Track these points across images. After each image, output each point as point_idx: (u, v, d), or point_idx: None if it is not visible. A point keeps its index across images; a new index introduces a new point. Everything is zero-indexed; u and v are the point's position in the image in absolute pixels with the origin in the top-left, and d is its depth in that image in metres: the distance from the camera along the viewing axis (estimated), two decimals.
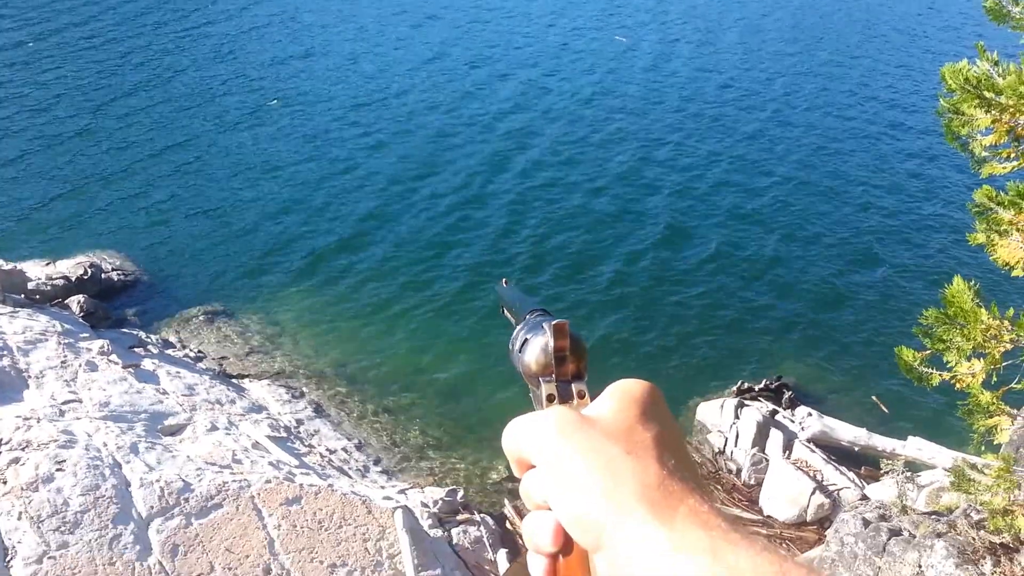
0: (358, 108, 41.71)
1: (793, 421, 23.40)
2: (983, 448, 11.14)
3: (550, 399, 1.59)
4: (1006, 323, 9.84)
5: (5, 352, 19.46)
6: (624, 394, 1.45)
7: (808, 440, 22.46)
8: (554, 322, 1.62)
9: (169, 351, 23.98)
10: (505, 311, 2.06)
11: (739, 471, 22.24)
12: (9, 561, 13.02)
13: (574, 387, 1.61)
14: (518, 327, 1.80)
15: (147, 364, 21.83)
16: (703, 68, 50.22)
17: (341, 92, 43.61)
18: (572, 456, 1.34)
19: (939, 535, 11.71)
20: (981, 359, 10.15)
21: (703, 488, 1.33)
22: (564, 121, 41.67)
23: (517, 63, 49.46)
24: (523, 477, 1.46)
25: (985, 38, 11.20)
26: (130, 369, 20.90)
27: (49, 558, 13.25)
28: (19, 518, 13.75)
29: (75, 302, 24.54)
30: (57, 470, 14.91)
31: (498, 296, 2.15)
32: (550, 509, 1.37)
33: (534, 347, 1.65)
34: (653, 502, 1.25)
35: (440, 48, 51.11)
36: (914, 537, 12.36)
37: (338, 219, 32.18)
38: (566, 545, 1.36)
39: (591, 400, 1.54)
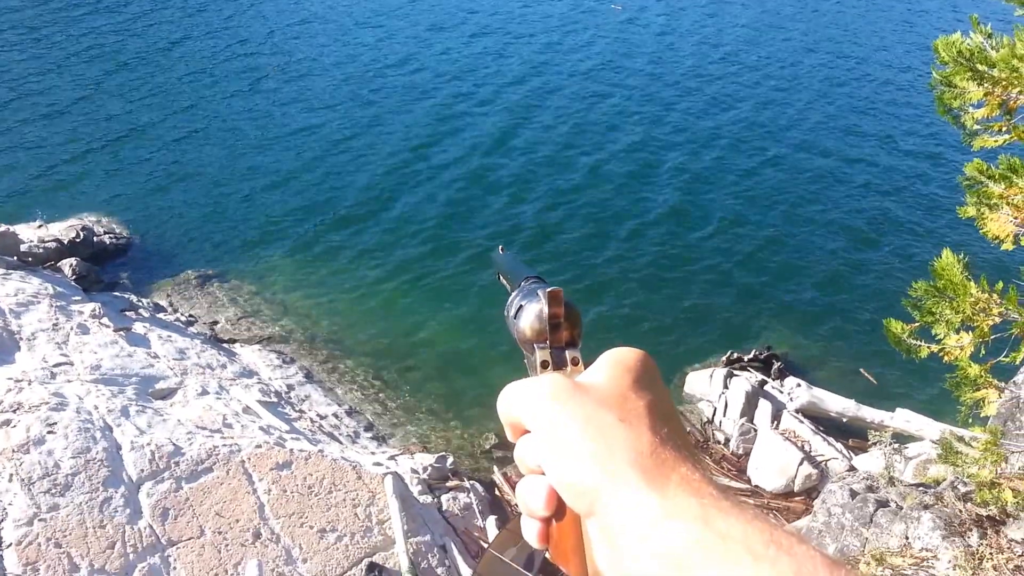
0: (358, 78, 41.38)
1: (782, 391, 23.42)
2: (970, 421, 11.16)
3: (544, 365, 1.60)
4: (995, 296, 9.86)
5: None
6: (618, 362, 1.47)
7: (797, 411, 22.50)
8: (549, 289, 1.63)
9: (160, 315, 23.96)
10: (501, 278, 2.07)
11: (727, 441, 22.27)
12: (0, 522, 13.07)
13: (568, 354, 1.62)
14: (513, 294, 1.81)
15: (138, 328, 21.83)
16: (703, 41, 49.68)
17: (340, 62, 43.21)
18: (566, 423, 1.35)
19: (926, 507, 11.73)
20: (970, 332, 10.17)
21: (695, 456, 1.35)
22: (560, 94, 41.36)
23: (515, 33, 48.96)
24: (517, 442, 1.47)
25: (983, 11, 11.20)
26: (121, 332, 20.91)
27: (40, 520, 13.30)
28: (10, 480, 13.79)
29: (67, 265, 24.50)
30: (48, 432, 14.95)
31: (494, 263, 2.17)
32: (544, 474, 1.39)
33: (529, 313, 1.66)
34: (646, 469, 1.27)
35: (440, 17, 50.68)
36: (901, 508, 12.39)
37: (334, 188, 32.06)
38: (559, 510, 1.38)
39: (585, 367, 1.55)
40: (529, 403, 1.43)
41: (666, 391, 1.49)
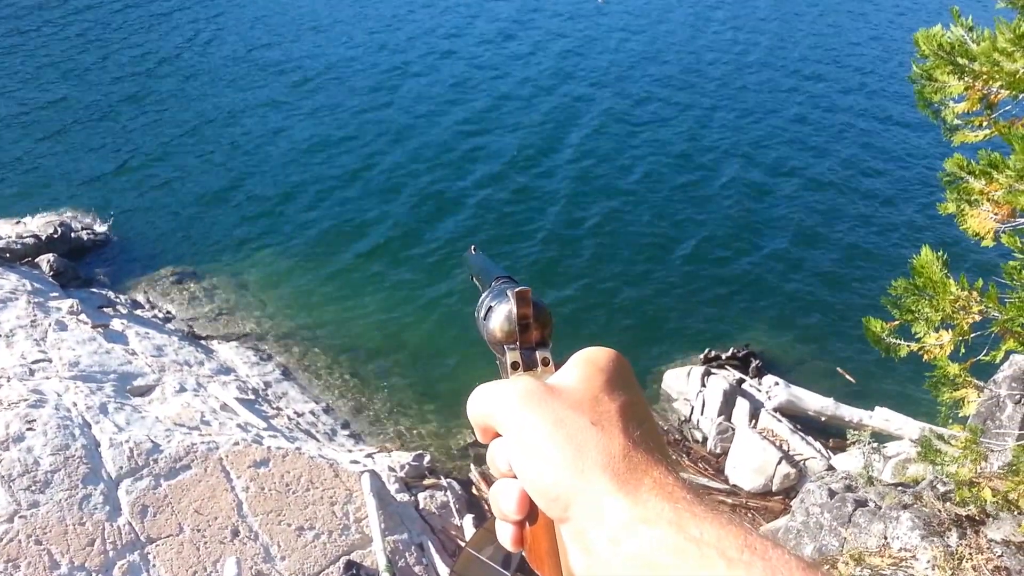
0: (341, 77, 41.27)
1: (760, 390, 23.46)
2: (950, 420, 11.18)
3: (515, 367, 1.61)
4: (975, 294, 9.87)
5: None
6: (589, 363, 1.47)
7: (775, 409, 22.54)
8: (517, 289, 1.64)
9: (138, 311, 23.94)
10: (474, 278, 2.06)
11: (705, 440, 22.30)
12: None
13: (538, 354, 1.62)
14: (484, 294, 1.81)
15: (116, 324, 21.83)
16: (692, 39, 49.62)
17: (314, 60, 43.08)
18: (536, 427, 1.35)
19: (905, 506, 11.73)
20: (949, 330, 10.17)
21: (669, 458, 1.34)
22: (544, 92, 41.35)
23: (491, 30, 48.98)
24: (489, 445, 1.47)
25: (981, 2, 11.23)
26: (99, 329, 20.91)
27: (20, 517, 13.30)
28: None
29: (45, 261, 24.45)
30: (27, 429, 14.94)
31: (466, 263, 2.17)
32: (516, 477, 1.39)
33: (498, 314, 1.67)
34: (618, 474, 1.27)
35: (414, 14, 50.66)
36: (880, 508, 12.39)
37: (312, 188, 31.96)
38: (532, 514, 1.39)
39: (555, 367, 1.57)
40: (499, 407, 1.43)
41: (639, 391, 1.49)
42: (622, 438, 1.32)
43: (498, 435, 1.44)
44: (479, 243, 2.29)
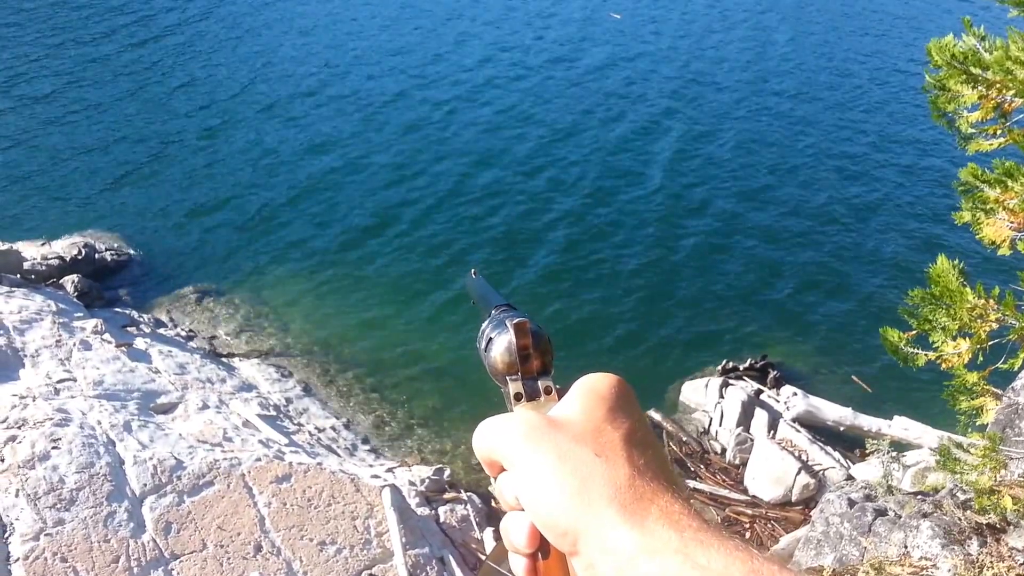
0: (358, 96, 40.89)
1: (778, 401, 23.37)
2: (968, 429, 11.16)
3: (517, 397, 1.62)
4: (992, 302, 9.86)
5: (1, 331, 19.51)
6: (591, 392, 1.49)
7: (793, 420, 22.45)
8: (515, 320, 1.67)
9: (161, 330, 23.97)
10: (474, 303, 2.12)
11: (724, 451, 22.24)
12: (7, 537, 13.12)
13: (540, 383, 1.64)
14: (484, 324, 1.85)
15: (139, 343, 21.87)
16: (703, 54, 49.34)
17: (324, 81, 42.79)
18: (541, 462, 1.37)
19: (925, 515, 11.70)
20: (967, 339, 10.17)
21: (675, 482, 1.38)
22: (547, 105, 41.05)
23: (511, 47, 48.74)
24: (497, 479, 1.50)
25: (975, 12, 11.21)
26: (123, 348, 20.96)
27: (46, 535, 13.35)
28: (16, 495, 13.84)
29: (69, 282, 24.49)
30: (53, 448, 14.99)
31: (467, 288, 2.20)
32: (524, 510, 1.41)
33: (499, 346, 1.69)
34: (624, 505, 1.29)
35: (411, 23, 50.47)
36: (900, 517, 12.36)
37: (332, 205, 31.91)
38: (543, 547, 1.41)
39: (559, 394, 1.58)
40: (503, 443, 1.46)
41: (643, 416, 1.51)
42: (627, 467, 1.34)
43: (504, 469, 1.47)
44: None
